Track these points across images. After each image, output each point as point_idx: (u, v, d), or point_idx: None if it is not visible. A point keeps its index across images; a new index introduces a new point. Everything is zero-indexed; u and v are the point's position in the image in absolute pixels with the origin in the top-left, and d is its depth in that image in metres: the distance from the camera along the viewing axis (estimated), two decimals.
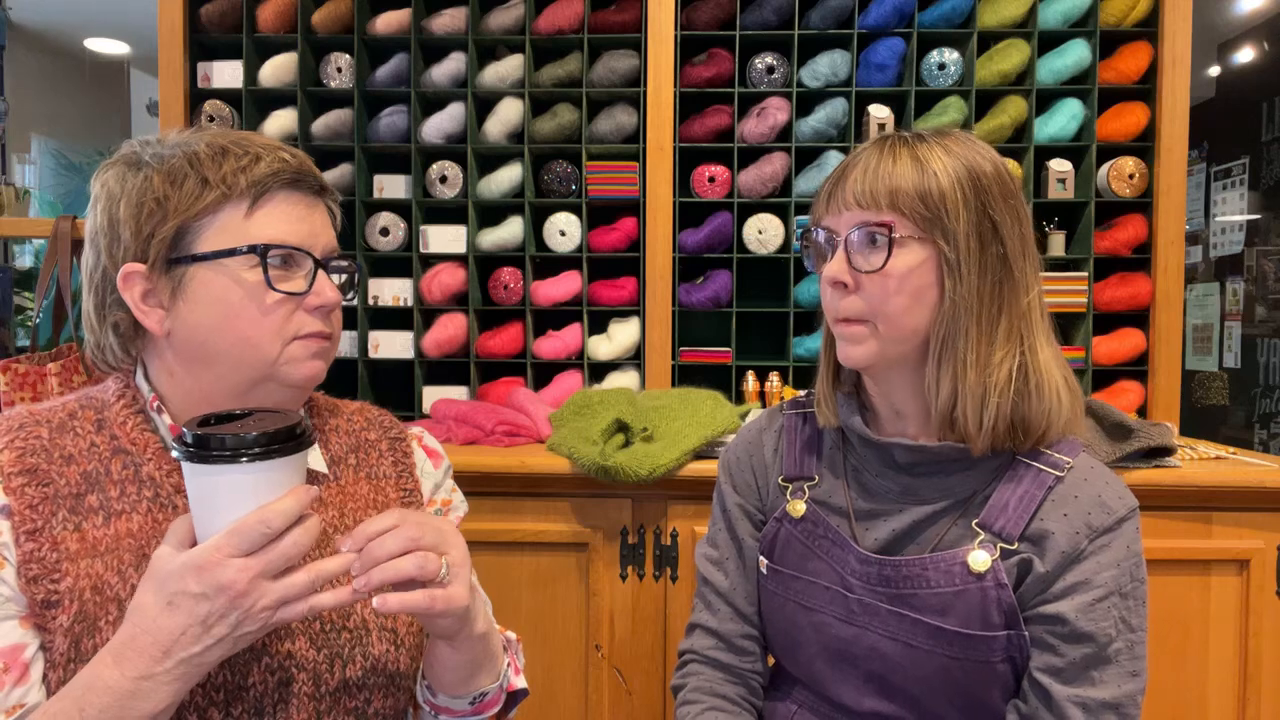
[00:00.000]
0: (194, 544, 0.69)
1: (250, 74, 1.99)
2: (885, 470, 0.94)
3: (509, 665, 0.92)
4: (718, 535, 1.05)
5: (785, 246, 1.94)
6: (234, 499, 0.68)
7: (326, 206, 0.88)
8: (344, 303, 0.89)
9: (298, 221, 0.82)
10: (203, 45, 2.02)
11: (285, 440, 0.69)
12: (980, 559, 0.86)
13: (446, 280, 1.97)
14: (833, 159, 1.91)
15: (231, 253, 0.79)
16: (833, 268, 0.88)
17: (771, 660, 1.06)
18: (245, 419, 0.72)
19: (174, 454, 0.68)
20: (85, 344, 0.88)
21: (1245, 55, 3.50)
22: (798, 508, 0.98)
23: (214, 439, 0.67)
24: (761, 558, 1.00)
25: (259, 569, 0.67)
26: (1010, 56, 1.89)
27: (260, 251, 0.79)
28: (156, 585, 0.67)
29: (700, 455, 1.51)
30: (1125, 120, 1.89)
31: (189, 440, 0.68)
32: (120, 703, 0.67)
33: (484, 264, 2.03)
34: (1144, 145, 1.90)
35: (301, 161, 0.84)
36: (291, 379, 0.82)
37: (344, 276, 0.90)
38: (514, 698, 0.94)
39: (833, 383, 0.99)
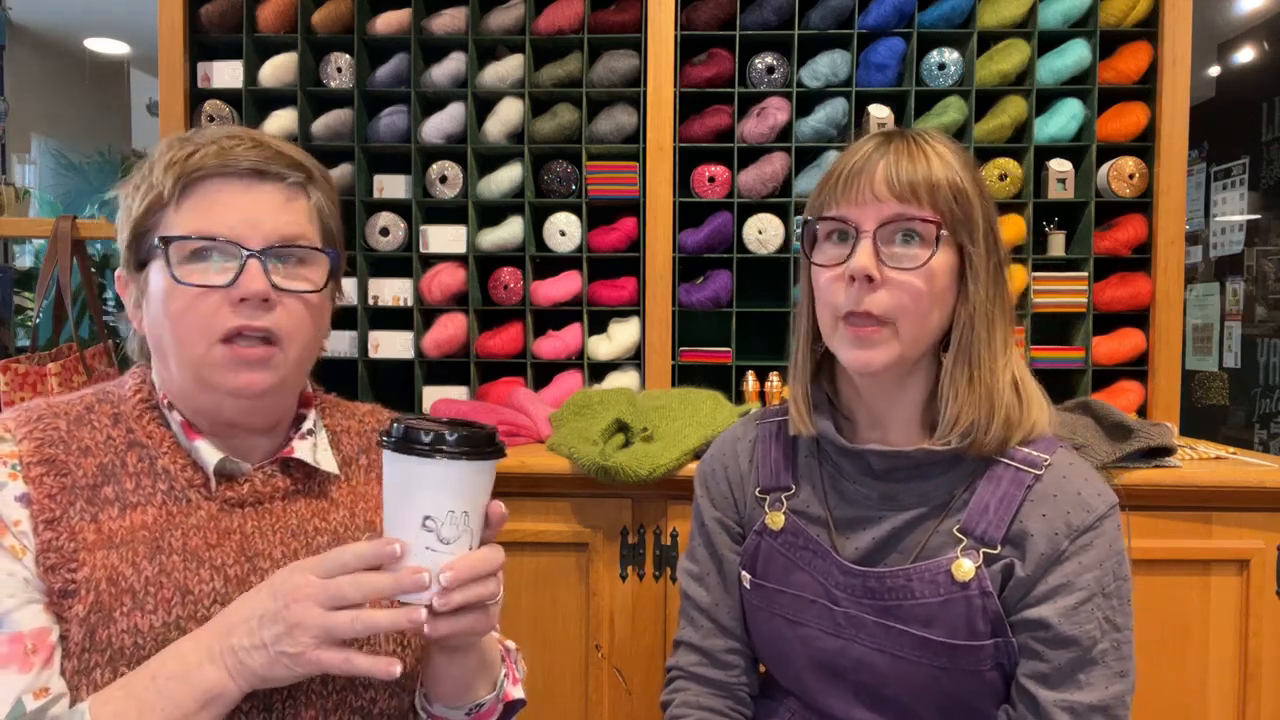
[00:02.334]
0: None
1: (250, 74, 1.99)
2: (862, 477, 0.93)
3: (505, 675, 0.91)
4: (697, 550, 1.04)
5: (785, 246, 1.94)
6: (425, 489, 0.71)
7: (284, 190, 0.82)
8: (308, 293, 0.82)
9: (228, 210, 0.80)
10: (203, 45, 2.02)
11: (483, 445, 0.72)
12: (965, 567, 0.85)
13: (446, 280, 1.97)
14: (832, 159, 1.91)
15: (154, 249, 0.80)
16: (861, 260, 0.84)
17: (764, 668, 1.06)
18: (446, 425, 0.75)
19: (379, 442, 0.72)
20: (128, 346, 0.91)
21: (1245, 55, 3.50)
22: (777, 520, 0.96)
23: (418, 432, 0.71)
24: (744, 572, 0.99)
25: (315, 592, 0.68)
26: (1010, 56, 1.89)
27: (161, 242, 0.79)
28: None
29: (700, 455, 1.51)
30: (1125, 120, 1.89)
31: (394, 431, 0.72)
32: (185, 671, 0.70)
33: (484, 264, 2.03)
34: (1144, 145, 1.90)
35: (249, 149, 0.81)
36: (225, 386, 0.79)
37: (298, 267, 0.82)
38: (511, 708, 0.93)
39: (808, 390, 0.96)
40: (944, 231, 0.84)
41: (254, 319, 0.79)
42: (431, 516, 0.71)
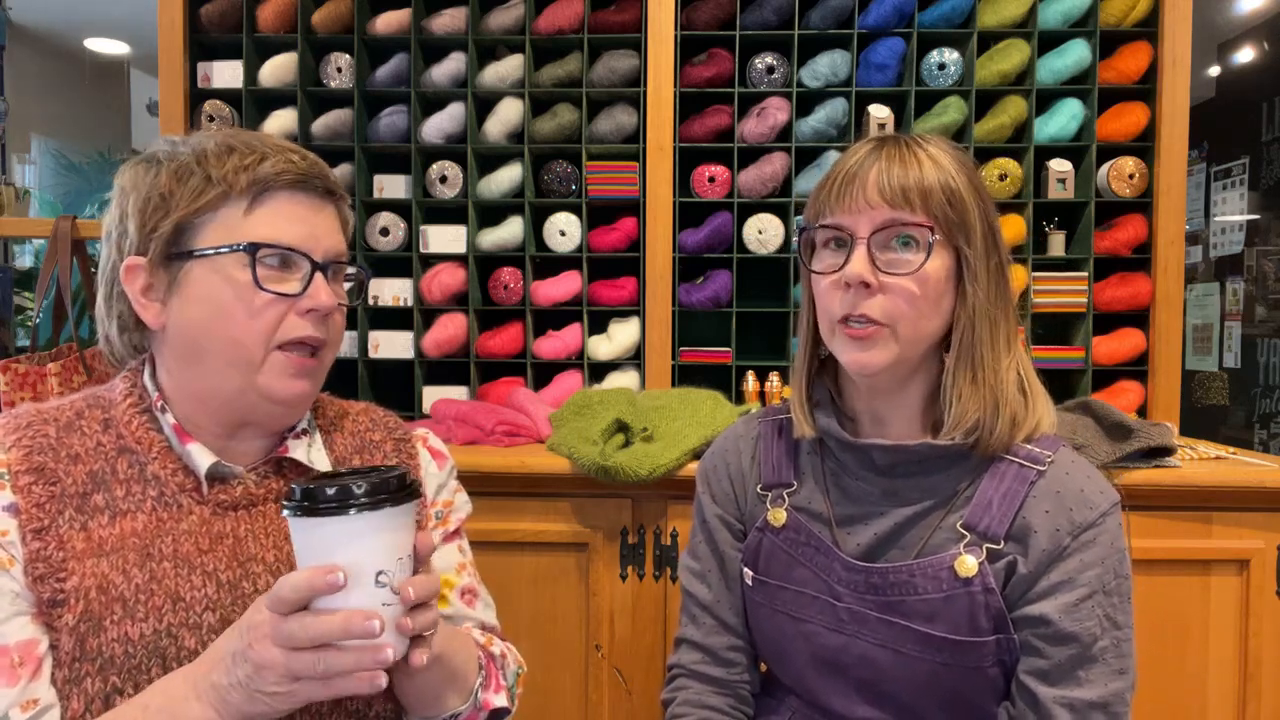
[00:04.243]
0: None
1: (250, 74, 1.99)
2: (864, 473, 0.93)
3: (483, 683, 0.88)
4: (698, 547, 1.04)
5: (785, 246, 1.94)
6: (341, 550, 0.66)
7: (336, 210, 0.87)
8: (347, 307, 0.88)
9: (298, 223, 0.82)
10: (203, 45, 2.02)
11: (395, 490, 0.68)
12: (968, 563, 0.85)
13: (446, 280, 1.97)
14: (833, 159, 1.90)
15: (225, 250, 0.79)
16: (856, 267, 0.85)
17: (765, 667, 1.06)
18: (349, 475, 0.71)
19: (284, 513, 0.68)
20: (98, 337, 0.89)
21: (1245, 55, 3.50)
22: (779, 516, 0.97)
23: (321, 491, 0.66)
24: (746, 569, 0.99)
25: (270, 630, 0.66)
26: (1010, 56, 1.89)
27: (250, 250, 0.79)
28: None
29: (700, 455, 1.51)
30: (1125, 120, 1.89)
31: (298, 494, 0.67)
32: (172, 705, 0.70)
33: (484, 264, 2.03)
34: (1144, 145, 1.90)
35: (312, 164, 0.84)
36: (272, 393, 0.81)
37: (349, 284, 0.89)
38: (494, 716, 0.91)
39: (808, 391, 0.97)
40: (937, 236, 0.85)
41: (318, 330, 0.82)
42: (385, 570, 0.67)
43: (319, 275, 0.82)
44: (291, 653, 0.65)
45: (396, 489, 0.68)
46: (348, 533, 0.66)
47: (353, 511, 0.66)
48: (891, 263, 0.85)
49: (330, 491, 0.66)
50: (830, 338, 0.91)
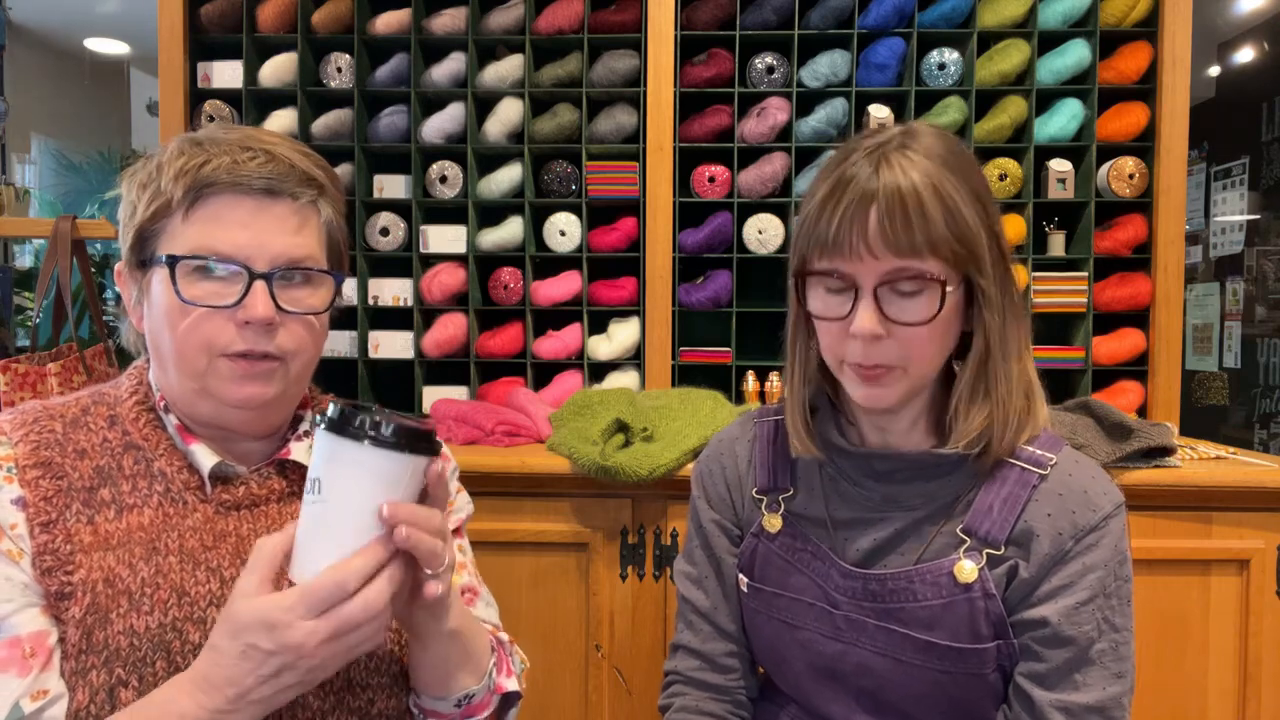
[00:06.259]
0: (279, 566, 0.69)
1: (250, 74, 1.99)
2: (863, 479, 0.91)
3: (495, 666, 0.89)
4: (695, 552, 1.02)
5: (785, 247, 1.94)
6: (355, 478, 0.68)
7: (297, 210, 0.81)
8: (312, 314, 0.83)
9: (238, 228, 0.79)
10: (203, 45, 2.02)
11: (419, 439, 0.70)
12: (967, 568, 0.84)
13: (446, 280, 1.97)
14: None
15: (157, 260, 0.79)
16: (865, 323, 0.80)
17: (764, 670, 1.05)
18: (387, 413, 0.72)
19: (315, 422, 0.70)
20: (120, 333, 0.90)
21: (1245, 55, 3.51)
22: (774, 522, 0.95)
23: (355, 414, 0.68)
24: (741, 575, 0.97)
25: (326, 633, 0.66)
26: (1010, 56, 1.89)
27: (169, 262, 0.78)
28: (231, 632, 0.67)
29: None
30: (1125, 120, 1.89)
31: (332, 412, 0.69)
32: None
33: (484, 264, 2.03)
34: (1144, 145, 1.90)
35: (263, 163, 0.79)
36: (224, 397, 0.80)
37: (303, 287, 0.83)
38: (506, 701, 0.91)
39: (804, 411, 0.92)
40: (950, 287, 0.80)
41: (258, 344, 0.79)
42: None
43: (259, 285, 0.78)
44: (345, 643, 0.67)
45: (415, 438, 0.69)
46: (356, 460, 0.68)
47: (366, 443, 0.67)
48: (903, 310, 0.80)
49: (357, 418, 0.68)
50: (838, 372, 0.87)
